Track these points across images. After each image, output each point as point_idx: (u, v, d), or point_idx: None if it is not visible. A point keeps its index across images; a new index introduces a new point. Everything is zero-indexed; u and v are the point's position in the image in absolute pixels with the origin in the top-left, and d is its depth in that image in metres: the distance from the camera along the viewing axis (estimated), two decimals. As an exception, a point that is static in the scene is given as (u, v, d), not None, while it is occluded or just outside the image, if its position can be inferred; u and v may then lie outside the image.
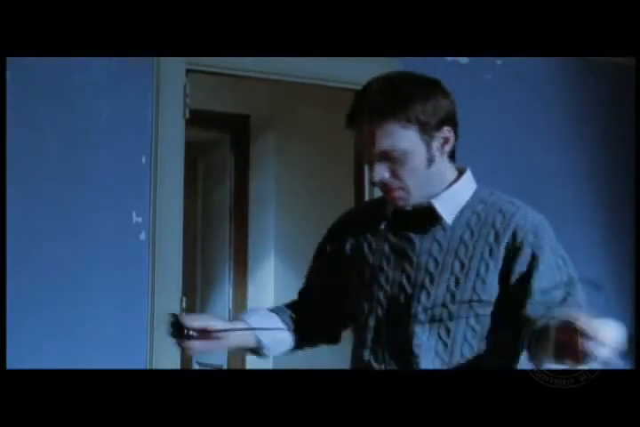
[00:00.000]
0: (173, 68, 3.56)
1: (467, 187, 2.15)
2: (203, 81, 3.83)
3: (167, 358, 3.46)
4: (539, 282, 2.03)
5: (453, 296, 2.05)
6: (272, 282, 5.28)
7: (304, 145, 5.21)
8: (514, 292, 2.05)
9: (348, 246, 2.23)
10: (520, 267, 2.05)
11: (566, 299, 2.01)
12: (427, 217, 2.11)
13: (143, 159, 3.48)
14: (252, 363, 5.29)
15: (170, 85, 3.56)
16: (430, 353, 2.05)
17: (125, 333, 3.40)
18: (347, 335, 3.19)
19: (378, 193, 4.32)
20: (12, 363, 2.58)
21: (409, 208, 2.12)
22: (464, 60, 4.07)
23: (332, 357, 4.30)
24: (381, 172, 2.06)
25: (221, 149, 5.58)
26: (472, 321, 2.05)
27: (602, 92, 4.43)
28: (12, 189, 3.11)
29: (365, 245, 2.19)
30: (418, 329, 2.06)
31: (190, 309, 3.97)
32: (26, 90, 3.28)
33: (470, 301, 2.04)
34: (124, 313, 3.41)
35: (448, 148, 2.10)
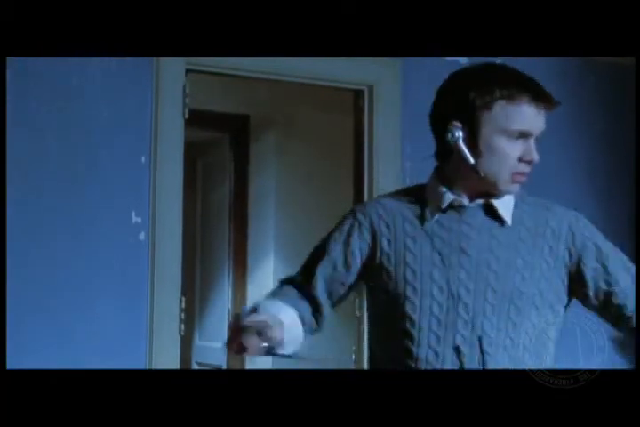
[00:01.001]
0: (173, 68, 3.56)
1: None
2: (202, 81, 3.83)
3: (166, 357, 3.46)
4: (615, 269, 2.12)
5: (521, 292, 2.05)
6: (271, 282, 5.27)
7: (303, 145, 5.21)
8: (594, 285, 2.11)
9: (384, 239, 2.14)
10: (591, 262, 2.11)
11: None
12: (484, 214, 2.10)
13: (142, 159, 3.48)
14: (252, 363, 5.30)
15: (169, 85, 3.56)
16: (499, 349, 2.04)
17: (125, 332, 3.40)
18: (345, 332, 3.17)
19: (379, 194, 4.34)
20: (12, 363, 2.58)
21: (464, 203, 2.10)
22: (463, 59, 4.06)
23: (333, 357, 4.30)
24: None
25: (221, 149, 5.58)
26: (534, 318, 2.07)
27: (602, 92, 4.42)
28: (11, 189, 3.11)
29: (409, 240, 2.11)
30: (487, 326, 2.04)
31: (189, 309, 3.97)
32: (25, 90, 3.28)
33: (534, 297, 2.06)
34: (123, 313, 3.41)
35: None
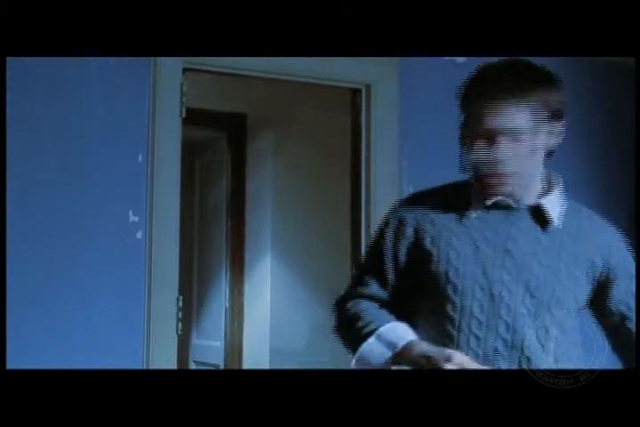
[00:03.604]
0: (170, 67, 3.56)
1: (562, 194, 2.15)
2: (199, 80, 3.83)
3: (164, 356, 3.46)
4: (624, 294, 2.14)
5: (559, 301, 2.05)
6: (268, 281, 5.28)
7: (301, 144, 5.21)
8: (615, 304, 2.15)
9: (427, 237, 2.10)
10: (621, 280, 2.13)
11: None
12: (533, 217, 2.09)
13: (140, 158, 3.48)
14: (250, 362, 5.30)
15: (167, 84, 3.55)
16: (533, 356, 2.05)
17: (122, 331, 3.40)
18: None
19: (377, 193, 4.31)
20: (9, 362, 2.57)
21: (512, 204, 2.08)
22: (461, 58, 4.07)
23: (331, 356, 4.31)
24: (505, 152, 2.02)
25: (218, 147, 5.58)
26: (568, 324, 2.09)
27: (602, 92, 4.42)
28: (9, 188, 3.11)
29: (453, 237, 2.08)
30: (525, 329, 2.04)
31: (186, 307, 3.97)
32: (23, 89, 3.27)
33: (570, 305, 2.08)
34: (120, 312, 3.41)
35: (553, 142, 2.07)
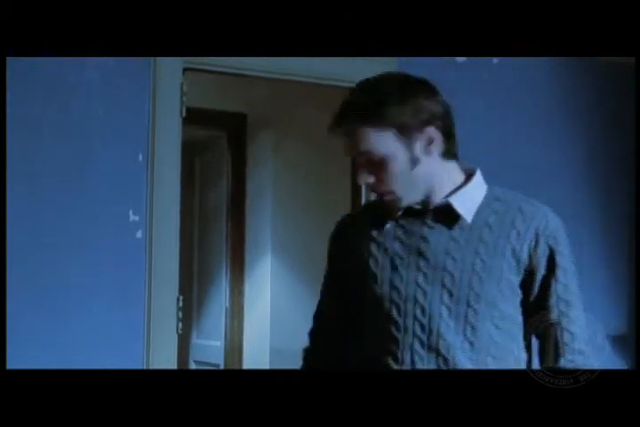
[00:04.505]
0: (170, 67, 3.55)
1: (480, 186, 2.13)
2: (200, 79, 3.83)
3: (164, 356, 3.46)
4: (556, 287, 2.06)
5: (477, 296, 2.04)
6: (269, 280, 5.28)
7: (301, 144, 5.21)
8: (535, 293, 2.08)
9: (354, 249, 2.18)
10: (542, 270, 2.07)
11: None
12: (443, 215, 2.09)
13: (140, 157, 3.48)
14: (250, 362, 5.30)
15: (167, 84, 3.55)
16: (457, 353, 2.03)
17: (122, 331, 3.40)
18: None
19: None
20: (9, 363, 2.57)
21: (419, 207, 2.10)
22: (461, 58, 4.07)
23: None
24: (364, 176, 2.08)
25: (218, 147, 5.58)
26: (497, 320, 2.05)
27: (602, 92, 4.42)
28: (9, 188, 3.11)
29: (373, 245, 2.14)
30: (443, 329, 2.04)
31: (187, 307, 3.97)
32: (23, 89, 3.27)
33: (494, 300, 2.04)
34: (120, 311, 3.40)
35: (435, 148, 2.07)
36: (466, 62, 4.07)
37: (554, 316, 2.06)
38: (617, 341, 4.14)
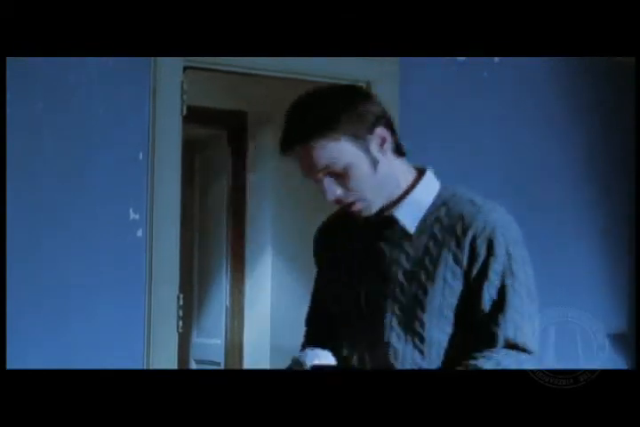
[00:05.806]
0: (171, 65, 3.55)
1: (427, 190, 2.12)
2: (200, 78, 3.83)
3: (164, 354, 3.46)
4: (486, 291, 2.04)
5: (423, 306, 2.04)
6: (269, 278, 5.28)
7: (301, 142, 5.20)
8: (470, 297, 2.06)
9: (329, 254, 2.23)
10: (476, 273, 2.04)
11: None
12: (392, 227, 2.10)
13: (140, 156, 3.48)
14: (250, 361, 5.30)
15: (167, 82, 3.55)
16: (408, 362, 2.05)
17: (122, 329, 3.40)
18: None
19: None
20: (9, 363, 2.58)
21: (373, 219, 2.11)
22: (461, 58, 4.06)
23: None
24: (332, 189, 2.08)
25: (219, 145, 5.57)
26: (447, 328, 2.06)
27: (602, 92, 4.42)
28: (9, 187, 3.11)
29: (341, 255, 2.18)
30: (393, 339, 2.06)
31: (187, 305, 3.97)
32: (23, 89, 3.27)
33: (440, 308, 2.05)
34: (120, 310, 3.41)
35: (388, 146, 2.08)
36: (466, 62, 4.07)
37: (484, 314, 2.04)
38: (617, 339, 4.15)
